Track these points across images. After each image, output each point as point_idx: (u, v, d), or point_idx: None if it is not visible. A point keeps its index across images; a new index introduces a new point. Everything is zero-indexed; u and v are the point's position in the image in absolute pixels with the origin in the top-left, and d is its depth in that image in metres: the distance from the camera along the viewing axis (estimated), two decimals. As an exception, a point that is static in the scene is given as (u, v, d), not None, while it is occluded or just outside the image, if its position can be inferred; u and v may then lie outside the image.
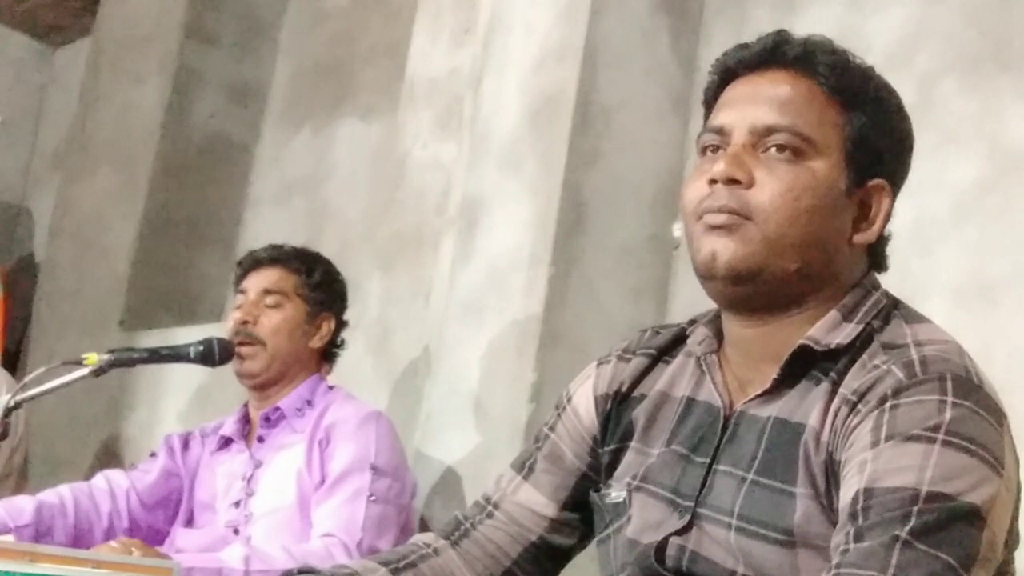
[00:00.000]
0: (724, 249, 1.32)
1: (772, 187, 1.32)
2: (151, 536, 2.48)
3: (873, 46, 2.44)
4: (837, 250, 1.35)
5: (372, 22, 3.82)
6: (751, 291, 1.34)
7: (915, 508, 1.15)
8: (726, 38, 2.66)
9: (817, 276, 1.35)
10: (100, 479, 2.50)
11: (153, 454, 2.60)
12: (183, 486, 2.54)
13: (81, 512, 2.40)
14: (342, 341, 2.63)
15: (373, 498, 2.29)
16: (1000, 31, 2.34)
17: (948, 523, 1.14)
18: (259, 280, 2.54)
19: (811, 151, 1.34)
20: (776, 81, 1.37)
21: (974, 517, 1.15)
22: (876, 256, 1.41)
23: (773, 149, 1.34)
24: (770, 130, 1.34)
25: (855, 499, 1.18)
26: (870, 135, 1.36)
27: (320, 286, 2.55)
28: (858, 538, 1.16)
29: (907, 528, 1.14)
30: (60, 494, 2.40)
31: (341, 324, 2.61)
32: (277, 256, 2.57)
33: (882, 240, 1.40)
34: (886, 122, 1.38)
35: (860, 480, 1.19)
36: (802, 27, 2.62)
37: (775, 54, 1.39)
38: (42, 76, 5.21)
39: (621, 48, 2.68)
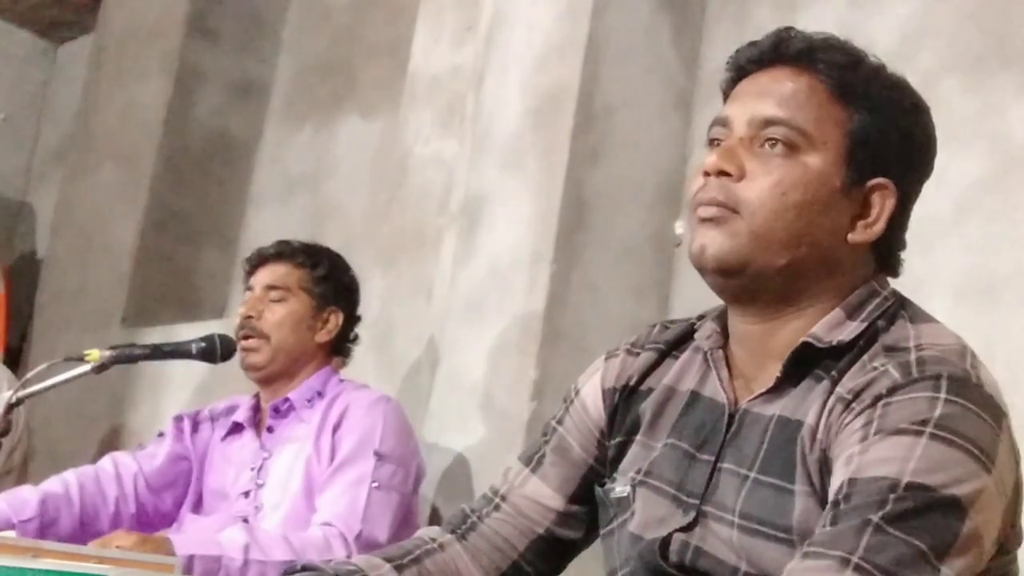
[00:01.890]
0: (711, 242, 1.33)
1: (761, 181, 1.32)
2: (159, 519, 2.48)
3: (875, 44, 2.42)
4: (832, 247, 1.34)
5: (374, 20, 3.82)
6: (741, 284, 1.34)
7: (892, 496, 1.15)
8: (728, 36, 2.66)
9: (811, 273, 1.34)
10: (107, 462, 2.50)
11: (161, 434, 2.58)
12: (191, 468, 2.54)
13: (87, 499, 2.40)
14: (355, 336, 2.62)
15: (376, 485, 2.30)
16: (1002, 29, 2.34)
17: (923, 511, 1.14)
18: (264, 276, 2.55)
19: (806, 146, 1.33)
20: (778, 77, 1.38)
21: (953, 508, 1.15)
22: (884, 258, 1.40)
23: (769, 143, 1.34)
24: (767, 123, 1.34)
25: (839, 489, 1.19)
26: (873, 134, 1.35)
27: (325, 280, 2.55)
28: (834, 522, 1.16)
29: (881, 513, 1.14)
30: (65, 482, 2.40)
31: (351, 318, 2.60)
32: (282, 251, 2.58)
33: (891, 242, 1.39)
34: (893, 121, 1.36)
35: (846, 472, 1.19)
36: (803, 25, 2.62)
37: (778, 51, 1.39)
38: (45, 73, 5.21)
39: (623, 46, 2.68)
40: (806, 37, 1.40)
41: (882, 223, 1.35)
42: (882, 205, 1.35)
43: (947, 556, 1.13)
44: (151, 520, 2.47)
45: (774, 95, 1.36)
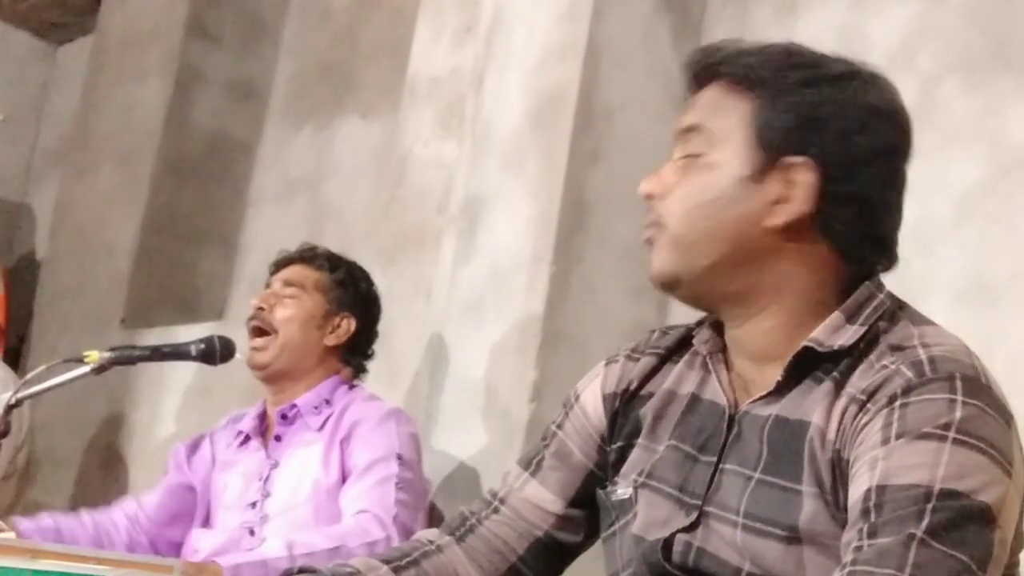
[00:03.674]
0: (652, 261, 1.38)
1: (675, 192, 1.37)
2: (171, 551, 2.50)
3: (875, 46, 2.44)
4: (753, 238, 1.33)
5: (374, 21, 3.82)
6: (686, 295, 1.39)
7: (928, 505, 1.15)
8: (728, 38, 2.66)
9: (742, 267, 1.34)
10: (114, 507, 2.56)
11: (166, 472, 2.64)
12: (196, 495, 2.56)
13: (100, 527, 2.47)
14: (372, 352, 2.62)
15: (400, 485, 2.30)
16: (1002, 31, 2.34)
17: (962, 522, 1.15)
18: (283, 274, 2.58)
19: (708, 145, 1.36)
20: (695, 95, 1.41)
21: (986, 517, 1.16)
22: (844, 246, 1.34)
23: (685, 153, 1.38)
24: (681, 134, 1.39)
25: (867, 496, 1.18)
26: (776, 114, 1.33)
27: (341, 284, 2.56)
28: (872, 535, 1.16)
29: (922, 526, 1.14)
30: (78, 514, 2.48)
31: (366, 330, 2.60)
32: (304, 254, 2.62)
33: (833, 224, 1.33)
34: (799, 97, 1.33)
35: (871, 478, 1.19)
36: (803, 27, 2.63)
37: (693, 79, 1.41)
38: (44, 74, 5.21)
39: (623, 47, 2.68)
40: (705, 53, 1.41)
41: (800, 203, 1.32)
42: (797, 184, 1.32)
43: (987, 567, 1.14)
44: (164, 553, 2.49)
45: (690, 109, 1.39)
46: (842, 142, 1.32)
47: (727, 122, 1.35)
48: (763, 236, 1.33)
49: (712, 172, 1.35)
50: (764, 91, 1.34)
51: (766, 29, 2.64)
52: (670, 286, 1.38)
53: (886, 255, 1.38)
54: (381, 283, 2.85)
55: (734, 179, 1.33)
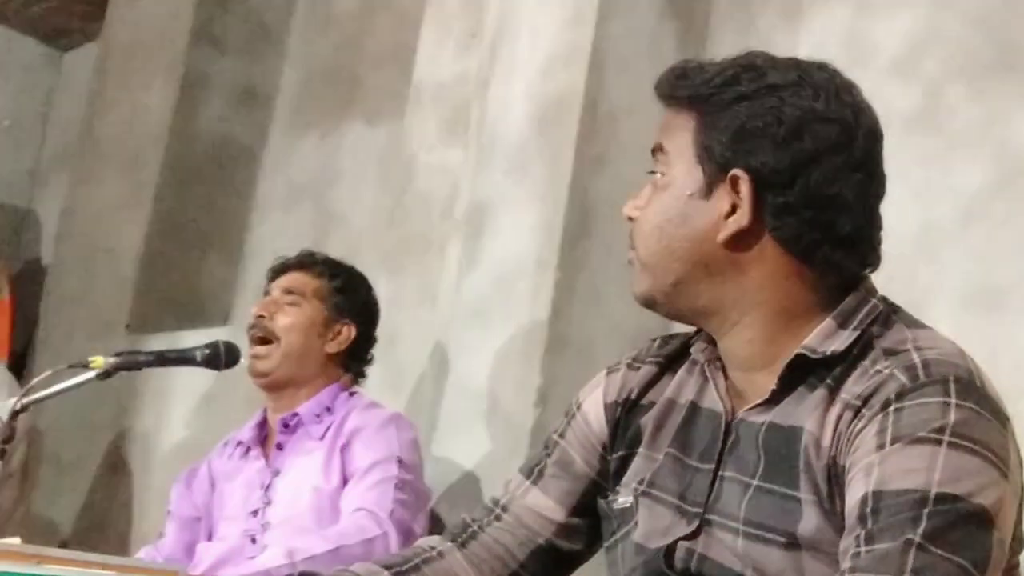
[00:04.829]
0: (632, 283, 1.41)
1: (642, 215, 1.40)
2: None
3: (880, 51, 2.44)
4: (708, 253, 1.34)
5: (379, 27, 3.83)
6: (667, 312, 1.42)
7: (925, 511, 1.15)
8: (733, 43, 2.66)
9: (703, 282, 1.35)
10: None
11: (169, 511, 2.63)
12: (202, 521, 2.56)
13: None
14: (371, 357, 2.63)
15: (399, 486, 2.31)
16: (1007, 36, 2.34)
17: (959, 525, 1.15)
18: (282, 281, 2.58)
19: (667, 165, 1.38)
20: (665, 115, 1.44)
21: (984, 519, 1.16)
22: (798, 250, 1.33)
23: (655, 172, 1.41)
24: (652, 153, 1.42)
25: (863, 502, 1.18)
26: (716, 128, 1.34)
27: (341, 292, 2.57)
28: (869, 541, 1.16)
29: (919, 531, 1.14)
30: None
31: (365, 337, 2.61)
32: (303, 261, 2.63)
33: (803, 237, 1.32)
34: (737, 109, 1.34)
35: (867, 483, 1.19)
36: (809, 33, 2.63)
37: (660, 99, 1.45)
38: (50, 80, 5.22)
39: (628, 53, 2.68)
40: (676, 71, 1.42)
41: (741, 215, 1.33)
42: (741, 196, 1.33)
43: (986, 570, 1.14)
44: None
45: (659, 129, 1.43)
46: (777, 151, 1.32)
47: (678, 142, 1.38)
48: (718, 251, 1.35)
49: (666, 192, 1.38)
50: (705, 109, 1.36)
51: (771, 35, 2.64)
52: (650, 306, 1.41)
53: (860, 255, 1.35)
54: (386, 289, 2.85)
55: (684, 197, 1.36)
